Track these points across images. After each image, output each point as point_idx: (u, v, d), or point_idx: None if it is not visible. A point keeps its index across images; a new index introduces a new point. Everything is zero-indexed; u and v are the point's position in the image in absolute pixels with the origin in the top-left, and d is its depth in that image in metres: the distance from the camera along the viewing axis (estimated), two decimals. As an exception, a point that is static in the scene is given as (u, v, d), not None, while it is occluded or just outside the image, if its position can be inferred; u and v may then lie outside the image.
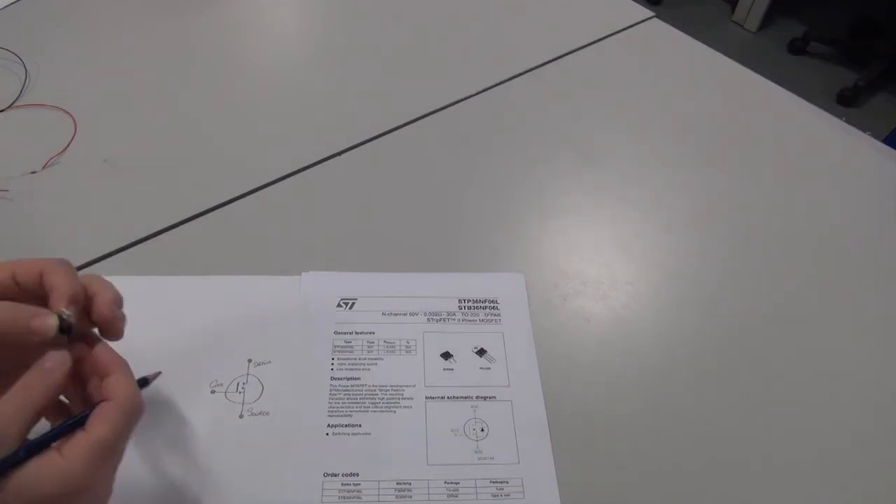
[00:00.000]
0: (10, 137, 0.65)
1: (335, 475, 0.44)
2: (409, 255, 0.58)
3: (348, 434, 0.46)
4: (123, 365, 0.35)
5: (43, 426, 0.34)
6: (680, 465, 0.46)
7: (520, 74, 0.76)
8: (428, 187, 0.64)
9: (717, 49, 0.83)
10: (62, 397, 0.36)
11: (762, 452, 0.47)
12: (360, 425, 0.46)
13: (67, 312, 0.33)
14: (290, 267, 0.55)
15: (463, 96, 0.73)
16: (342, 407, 0.47)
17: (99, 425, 0.32)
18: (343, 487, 0.43)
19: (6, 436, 0.30)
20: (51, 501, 0.30)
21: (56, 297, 0.33)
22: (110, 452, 0.32)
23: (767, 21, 2.38)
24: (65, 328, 0.33)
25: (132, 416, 0.33)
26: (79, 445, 0.31)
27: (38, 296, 0.34)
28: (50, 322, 0.32)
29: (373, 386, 0.48)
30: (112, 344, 0.37)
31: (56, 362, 0.32)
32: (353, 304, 0.53)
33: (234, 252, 0.57)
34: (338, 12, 0.85)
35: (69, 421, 0.33)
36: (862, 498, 0.46)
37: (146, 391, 0.46)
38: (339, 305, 0.53)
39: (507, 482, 0.44)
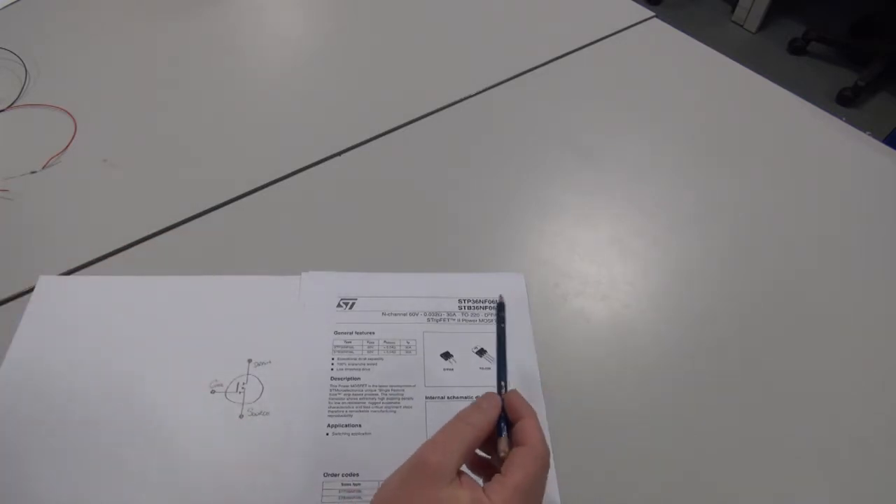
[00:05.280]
0: (10, 137, 0.65)
1: (335, 475, 0.44)
2: (410, 255, 0.58)
3: (348, 434, 0.46)
4: (533, 413, 0.37)
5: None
6: (680, 464, 0.46)
7: (520, 74, 0.76)
8: (428, 187, 0.64)
9: (717, 49, 0.83)
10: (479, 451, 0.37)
11: (762, 451, 0.47)
12: (360, 425, 0.46)
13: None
14: (290, 267, 0.55)
15: (463, 96, 0.73)
16: (342, 407, 0.47)
17: (516, 471, 0.33)
18: (343, 487, 0.43)
19: (447, 466, 0.33)
20: None
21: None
22: (525, 497, 0.33)
23: (767, 21, 2.37)
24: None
25: (544, 462, 0.35)
26: (498, 490, 0.32)
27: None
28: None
29: (373, 386, 0.48)
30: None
31: (491, 403, 0.37)
32: (353, 304, 0.53)
33: (234, 252, 0.57)
34: (337, 13, 0.85)
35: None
36: (862, 497, 0.46)
37: (144, 391, 0.46)
38: (339, 305, 0.53)
39: (507, 482, 0.44)
